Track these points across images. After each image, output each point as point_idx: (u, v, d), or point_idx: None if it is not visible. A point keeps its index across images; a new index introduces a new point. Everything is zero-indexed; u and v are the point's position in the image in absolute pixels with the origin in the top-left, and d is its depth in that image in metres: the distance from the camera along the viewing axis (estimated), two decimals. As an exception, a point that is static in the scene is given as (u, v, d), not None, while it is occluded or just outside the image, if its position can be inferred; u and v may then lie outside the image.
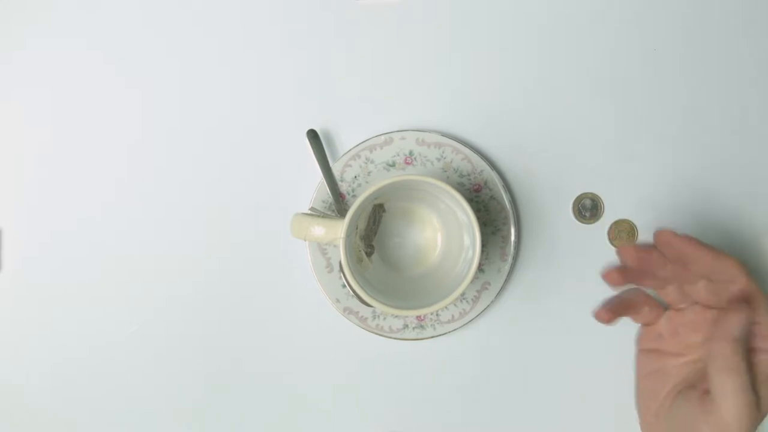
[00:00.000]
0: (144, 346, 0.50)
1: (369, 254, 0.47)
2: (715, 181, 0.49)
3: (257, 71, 0.50)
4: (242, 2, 0.50)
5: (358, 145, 0.48)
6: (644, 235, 0.49)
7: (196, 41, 0.50)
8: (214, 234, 0.50)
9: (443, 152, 0.48)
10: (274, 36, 0.50)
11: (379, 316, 0.48)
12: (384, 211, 0.47)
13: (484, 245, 0.46)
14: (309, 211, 0.47)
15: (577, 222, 0.49)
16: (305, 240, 0.42)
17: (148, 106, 0.50)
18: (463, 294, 0.42)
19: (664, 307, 0.42)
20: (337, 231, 0.41)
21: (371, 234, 0.47)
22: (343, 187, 0.48)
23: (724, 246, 0.49)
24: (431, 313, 0.48)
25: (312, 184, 0.48)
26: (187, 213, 0.50)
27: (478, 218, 0.41)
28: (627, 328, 0.49)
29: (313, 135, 0.48)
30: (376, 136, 0.48)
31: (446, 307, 0.48)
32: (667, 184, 0.49)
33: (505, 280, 0.48)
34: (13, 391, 0.50)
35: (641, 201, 0.49)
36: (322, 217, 0.42)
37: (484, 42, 0.50)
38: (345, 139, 0.49)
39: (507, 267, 0.48)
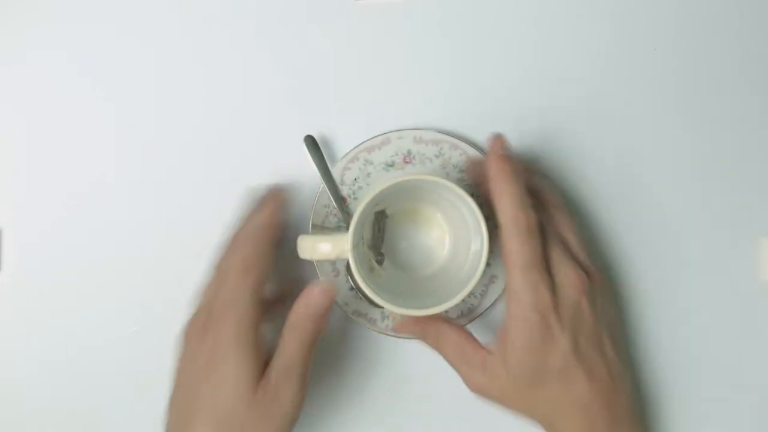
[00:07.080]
0: (144, 346, 0.50)
1: (380, 262, 0.47)
2: (716, 181, 0.49)
3: (258, 71, 0.49)
4: (237, 4, 0.49)
5: (355, 147, 0.48)
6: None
7: (192, 46, 0.49)
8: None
9: (441, 149, 0.48)
10: (274, 36, 0.49)
11: (387, 317, 0.48)
12: (386, 216, 0.47)
13: (488, 239, 0.46)
14: (311, 232, 0.47)
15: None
16: (312, 259, 0.42)
17: (147, 112, 0.50)
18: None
19: None
20: (343, 244, 0.41)
21: (378, 242, 0.47)
22: (344, 191, 0.48)
23: (726, 250, 0.49)
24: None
25: (312, 190, 0.48)
26: (190, 221, 0.50)
27: (482, 213, 0.41)
28: (630, 325, 0.49)
29: (311, 141, 0.48)
30: (374, 137, 0.48)
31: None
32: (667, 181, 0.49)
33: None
34: (12, 391, 0.50)
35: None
36: (327, 233, 0.42)
37: (483, 41, 0.49)
38: (342, 142, 0.49)
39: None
